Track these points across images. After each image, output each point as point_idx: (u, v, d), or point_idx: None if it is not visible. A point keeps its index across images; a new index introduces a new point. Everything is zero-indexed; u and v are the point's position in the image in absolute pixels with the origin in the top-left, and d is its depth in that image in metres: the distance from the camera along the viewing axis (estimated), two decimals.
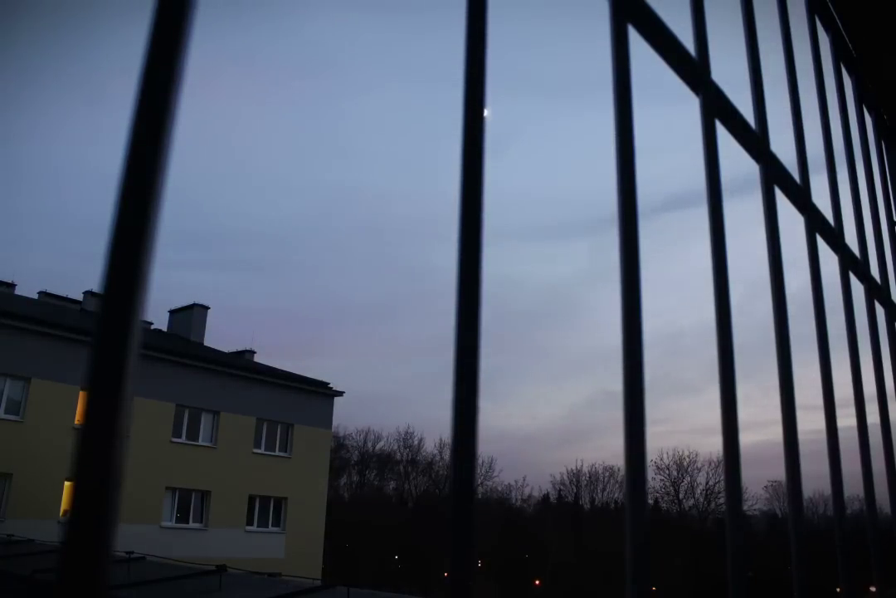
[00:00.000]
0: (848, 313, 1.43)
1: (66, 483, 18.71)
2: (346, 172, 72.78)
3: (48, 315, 21.96)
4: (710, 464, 49.95)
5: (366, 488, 52.45)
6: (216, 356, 26.70)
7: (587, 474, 53.71)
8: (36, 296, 27.31)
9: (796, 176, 1.29)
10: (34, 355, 20.23)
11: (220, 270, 69.41)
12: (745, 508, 0.92)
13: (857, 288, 1.51)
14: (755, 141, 1.11)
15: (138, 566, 10.10)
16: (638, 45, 0.79)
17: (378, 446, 53.74)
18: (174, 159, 0.36)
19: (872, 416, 1.42)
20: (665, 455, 51.41)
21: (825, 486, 1.14)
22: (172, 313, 30.02)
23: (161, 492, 22.67)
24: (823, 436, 1.19)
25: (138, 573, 9.30)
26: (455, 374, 0.49)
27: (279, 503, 26.37)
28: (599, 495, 53.12)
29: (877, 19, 1.77)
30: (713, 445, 54.23)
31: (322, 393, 28.59)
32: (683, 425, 67.22)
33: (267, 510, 26.03)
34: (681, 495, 51.05)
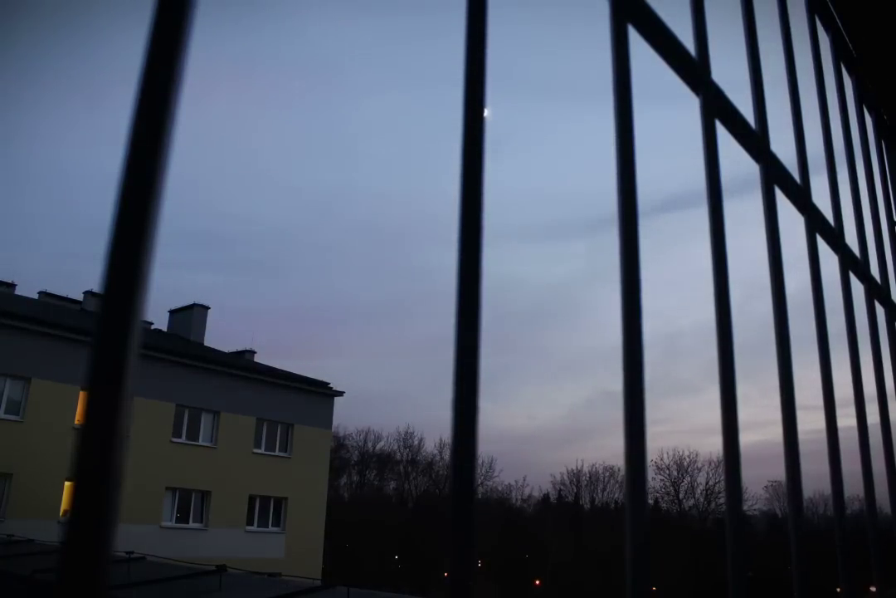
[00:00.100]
0: (848, 313, 1.43)
1: (66, 483, 18.72)
2: (347, 173, 72.80)
3: (48, 315, 21.98)
4: (710, 464, 50.05)
5: (366, 488, 52.46)
6: (216, 356, 26.71)
7: (587, 474, 53.78)
8: (36, 296, 27.33)
9: (796, 176, 1.29)
10: (34, 355, 20.24)
11: (219, 270, 69.52)
12: (745, 508, 0.92)
13: (857, 288, 1.51)
14: (755, 141, 1.11)
15: (138, 566, 10.09)
16: (638, 46, 0.79)
17: (378, 446, 53.81)
18: (174, 160, 0.36)
19: (872, 416, 1.42)
20: (665, 455, 51.50)
21: (825, 486, 1.14)
22: (172, 313, 30.04)
23: (161, 492, 22.67)
24: (823, 436, 1.19)
25: (138, 573, 9.29)
26: (455, 374, 0.49)
27: (279, 503, 26.37)
28: (599, 495, 53.18)
29: (877, 19, 1.77)
30: (713, 445, 54.30)
31: (322, 393, 28.59)
32: (683, 425, 67.32)
33: (267, 510, 26.03)
34: (681, 496, 51.11)
